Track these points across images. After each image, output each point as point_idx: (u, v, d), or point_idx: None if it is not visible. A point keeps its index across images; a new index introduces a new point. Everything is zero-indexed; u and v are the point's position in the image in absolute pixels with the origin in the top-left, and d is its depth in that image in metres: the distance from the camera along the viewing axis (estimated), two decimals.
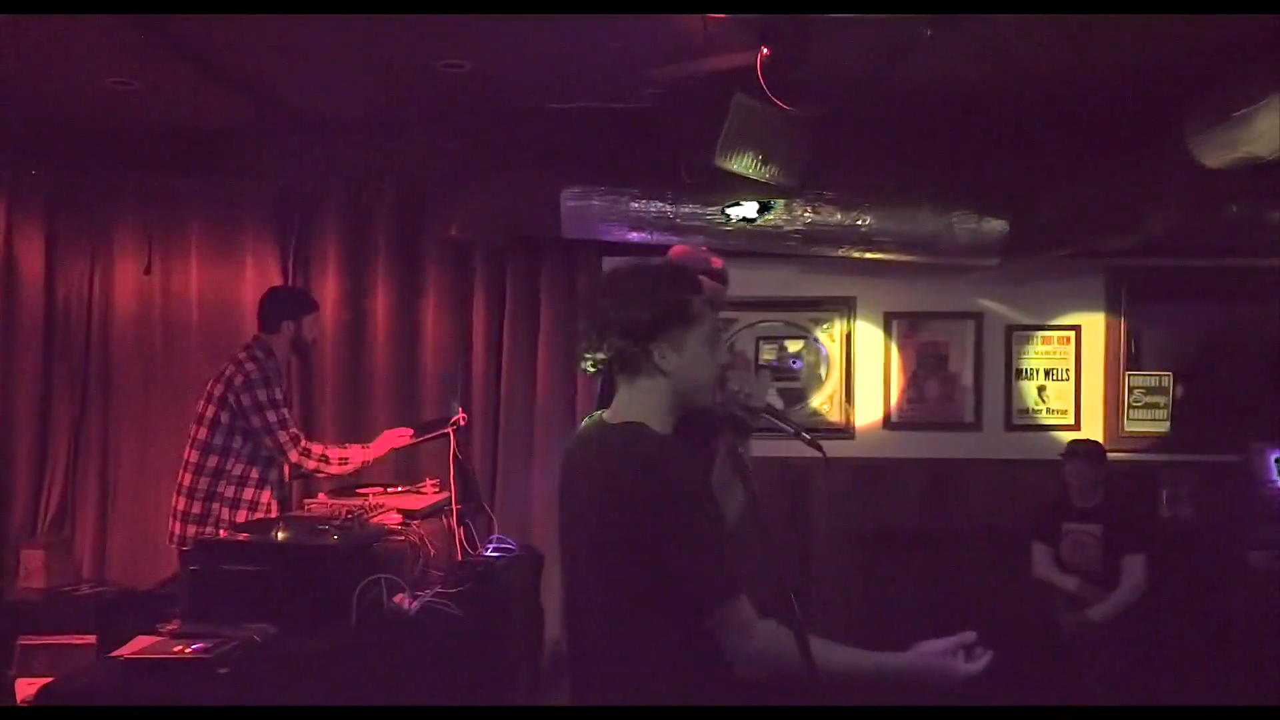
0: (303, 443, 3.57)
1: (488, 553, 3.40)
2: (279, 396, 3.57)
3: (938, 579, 4.49)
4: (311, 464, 3.58)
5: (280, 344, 3.72)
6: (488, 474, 4.49)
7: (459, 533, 3.29)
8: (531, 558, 3.62)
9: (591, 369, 1.84)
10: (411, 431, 3.83)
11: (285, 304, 3.80)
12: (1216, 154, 3.24)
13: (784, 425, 1.87)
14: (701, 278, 2.85)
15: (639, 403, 1.78)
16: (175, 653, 2.21)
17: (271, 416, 3.52)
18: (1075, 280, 4.63)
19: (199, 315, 4.63)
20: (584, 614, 1.83)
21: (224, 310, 4.60)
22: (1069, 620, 3.90)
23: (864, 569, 4.57)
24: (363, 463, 3.67)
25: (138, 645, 2.28)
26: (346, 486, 3.66)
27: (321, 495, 3.54)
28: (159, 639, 2.31)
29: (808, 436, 1.84)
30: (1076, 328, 4.65)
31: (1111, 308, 4.64)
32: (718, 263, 2.95)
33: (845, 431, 4.68)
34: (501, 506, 4.31)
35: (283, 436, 3.53)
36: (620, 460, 1.73)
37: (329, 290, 4.55)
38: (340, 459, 3.63)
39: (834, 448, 4.58)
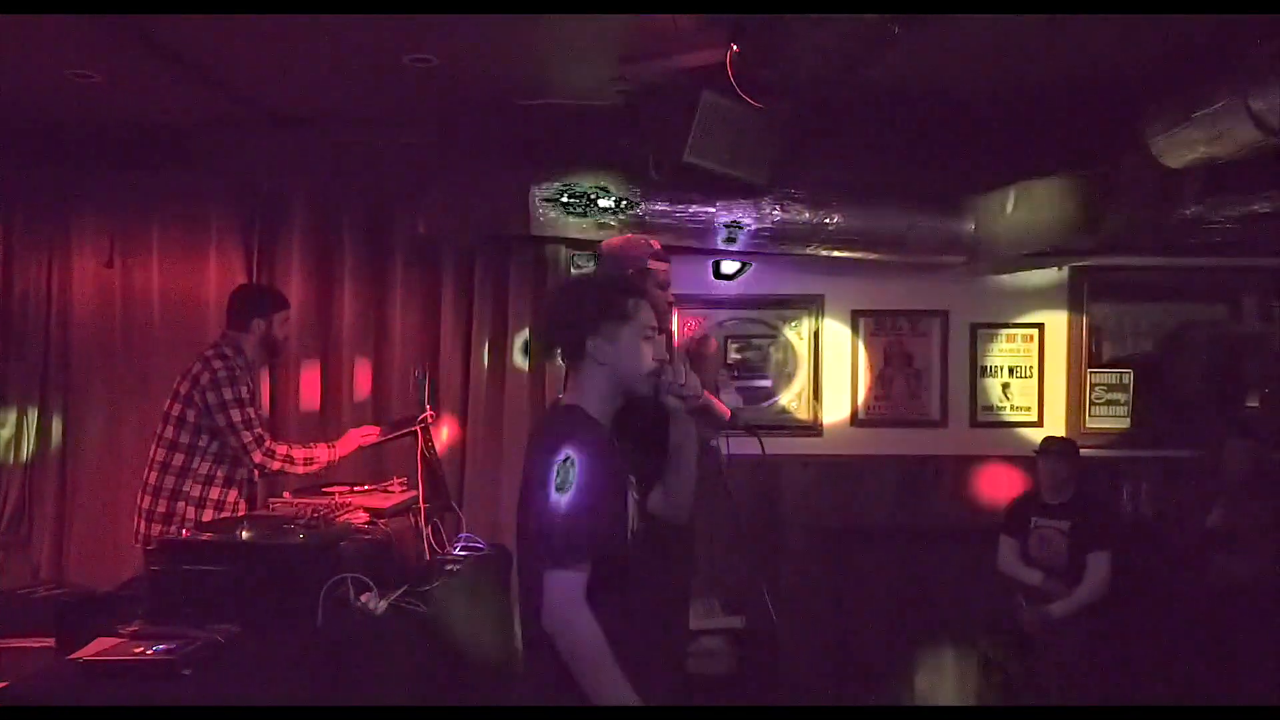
0: (267, 443, 3.53)
1: (456, 551, 3.39)
2: (245, 395, 3.52)
3: (904, 574, 4.54)
4: (276, 465, 3.54)
5: (249, 342, 3.67)
6: (456, 472, 4.46)
7: (427, 531, 3.27)
8: (500, 556, 3.60)
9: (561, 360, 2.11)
10: (379, 429, 3.80)
11: (256, 301, 3.75)
12: (1176, 155, 3.29)
13: (719, 410, 2.02)
14: (650, 261, 2.96)
15: (580, 388, 2.07)
16: (137, 654, 2.17)
17: (236, 415, 3.48)
18: (1038, 279, 4.70)
19: (161, 312, 4.55)
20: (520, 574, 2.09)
21: (187, 307, 4.53)
22: (1031, 615, 3.96)
23: (832, 564, 4.61)
24: (329, 462, 3.64)
25: (98, 647, 2.24)
26: (313, 485, 3.62)
27: (287, 494, 3.50)
28: (120, 641, 2.27)
29: (741, 423, 1.98)
30: (1040, 325, 4.72)
31: (1073, 306, 4.72)
32: (656, 244, 3.10)
33: (813, 429, 4.71)
34: (470, 505, 4.28)
35: (247, 436, 3.48)
36: (544, 432, 2.05)
37: (294, 287, 4.48)
38: (306, 459, 3.59)
39: (802, 445, 4.69)
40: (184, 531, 3.07)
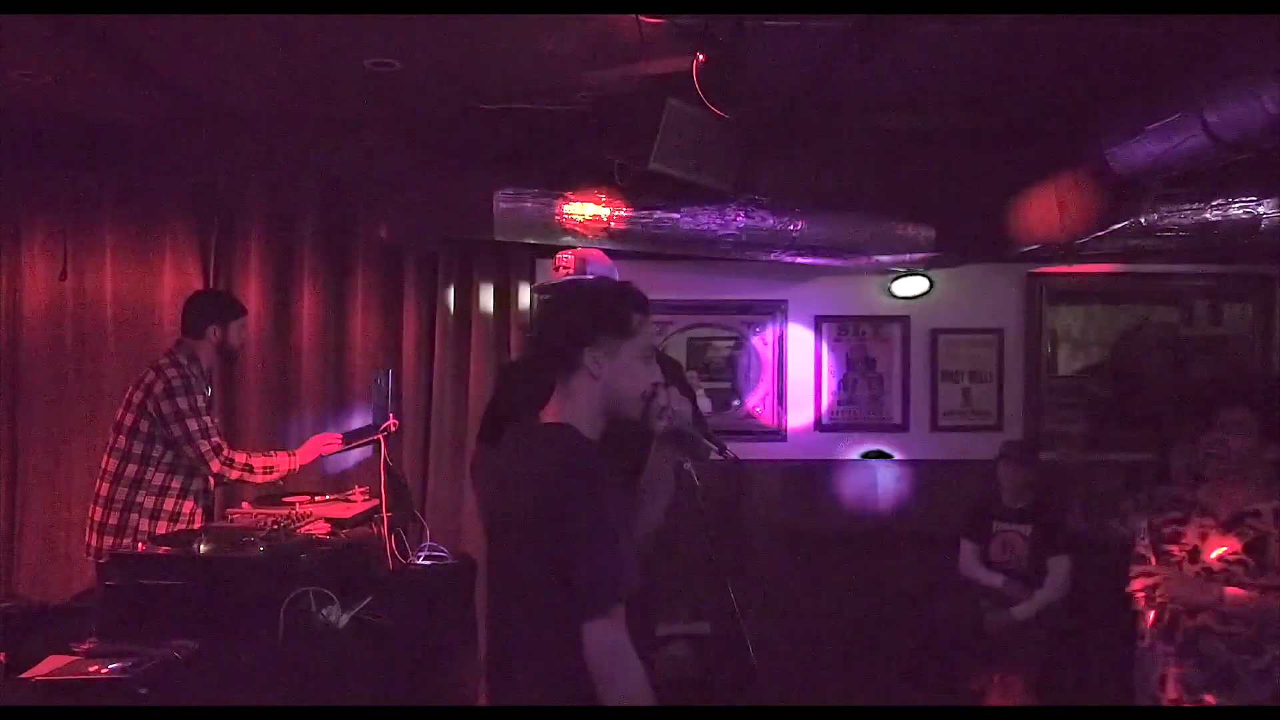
0: (225, 452, 3.46)
1: (420, 561, 3.35)
2: (201, 404, 3.45)
3: (868, 577, 4.57)
4: (235, 474, 3.47)
5: (205, 349, 3.61)
6: (419, 481, 4.42)
7: (390, 541, 3.23)
8: (465, 565, 3.57)
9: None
10: (340, 437, 3.74)
11: (210, 308, 3.69)
12: (1131, 165, 3.35)
13: (706, 443, 1.96)
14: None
15: (570, 404, 1.90)
16: (91, 673, 2.12)
17: (193, 425, 3.41)
18: (998, 284, 4.76)
19: (114, 318, 4.46)
20: (499, 601, 1.97)
21: (141, 313, 4.44)
22: (993, 617, 4.01)
23: (797, 568, 4.63)
24: (289, 471, 3.58)
25: (50, 666, 2.19)
26: (272, 495, 3.56)
27: (245, 505, 3.44)
28: (73, 659, 2.22)
29: (732, 455, 1.97)
30: (999, 330, 4.78)
31: (1031, 311, 4.79)
32: (604, 259, 3.15)
33: (778, 433, 4.73)
34: (433, 514, 4.24)
35: (204, 446, 3.41)
36: (543, 457, 1.85)
37: (253, 293, 4.42)
38: (265, 468, 3.52)
39: (767, 449, 4.69)
40: (139, 545, 3.00)
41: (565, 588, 1.74)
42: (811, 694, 4.16)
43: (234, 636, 2.37)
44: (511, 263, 4.49)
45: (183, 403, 3.40)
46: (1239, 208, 4.14)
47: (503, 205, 4.03)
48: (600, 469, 1.81)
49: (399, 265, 4.50)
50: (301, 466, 3.61)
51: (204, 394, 3.51)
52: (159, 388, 3.41)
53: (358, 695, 2.56)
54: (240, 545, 2.64)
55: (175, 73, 3.56)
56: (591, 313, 1.89)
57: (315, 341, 4.47)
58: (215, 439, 3.46)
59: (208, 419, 3.46)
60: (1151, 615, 2.65)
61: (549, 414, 1.92)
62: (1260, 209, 4.13)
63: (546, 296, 2.20)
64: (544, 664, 1.80)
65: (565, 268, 3.20)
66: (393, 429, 3.49)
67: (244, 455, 3.53)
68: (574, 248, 3.95)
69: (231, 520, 3.17)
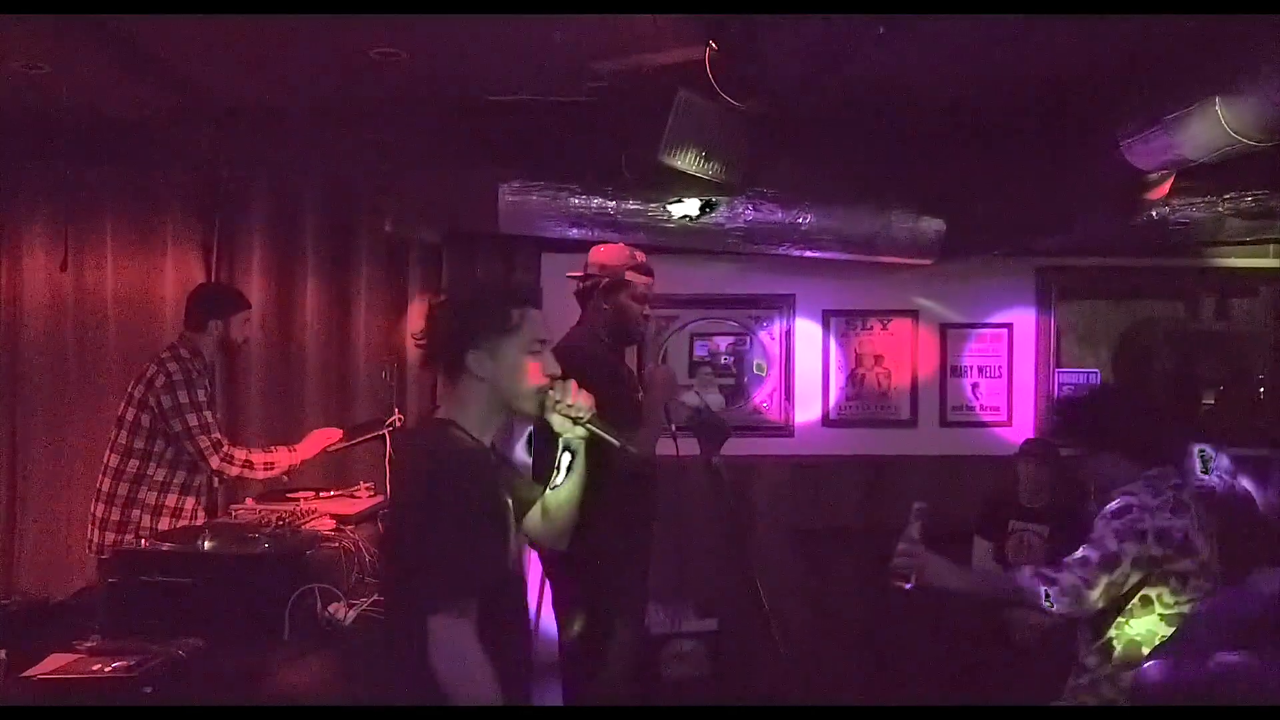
0: (225, 448, 3.42)
1: None
2: (202, 399, 3.41)
3: (876, 575, 4.51)
4: (235, 470, 3.43)
5: (207, 344, 3.56)
6: None
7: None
8: None
9: None
10: (342, 432, 3.70)
11: (213, 302, 3.63)
12: (1147, 156, 3.31)
13: (607, 437, 1.99)
14: (628, 273, 2.94)
15: (458, 402, 1.92)
16: (94, 671, 2.08)
17: (193, 420, 3.37)
18: (1007, 279, 4.71)
19: (115, 312, 4.42)
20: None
21: (143, 308, 4.40)
22: (1021, 627, 3.89)
23: (805, 565, 4.59)
24: (290, 466, 3.54)
25: (52, 664, 2.15)
26: (276, 491, 3.52)
27: (250, 500, 3.40)
28: (76, 657, 2.18)
29: (631, 450, 2.00)
30: (1009, 325, 4.73)
31: (1042, 306, 4.74)
32: (640, 257, 3.05)
33: (785, 429, 4.69)
34: None
35: (203, 441, 3.37)
36: (411, 452, 1.92)
37: (255, 286, 4.38)
38: (266, 464, 3.49)
39: (774, 445, 4.65)
40: (142, 541, 2.96)
41: (413, 580, 1.76)
42: (821, 691, 4.12)
43: (239, 634, 2.33)
44: (517, 256, 4.44)
45: (183, 396, 3.36)
46: (1252, 199, 4.11)
47: (508, 198, 4.00)
48: (470, 461, 1.82)
49: (403, 258, 4.46)
50: (303, 461, 3.57)
51: (205, 389, 3.47)
52: (160, 381, 3.37)
53: (363, 693, 2.53)
54: (245, 542, 2.61)
55: (177, 64, 3.52)
56: (468, 317, 1.90)
57: (318, 335, 4.43)
58: (215, 435, 3.42)
59: (208, 414, 3.42)
60: None
61: (441, 412, 1.95)
62: (1273, 202, 4.10)
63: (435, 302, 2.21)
64: (399, 657, 1.82)
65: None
66: (398, 423, 3.46)
67: (244, 451, 3.49)
68: (582, 241, 3.95)
69: (236, 516, 3.13)
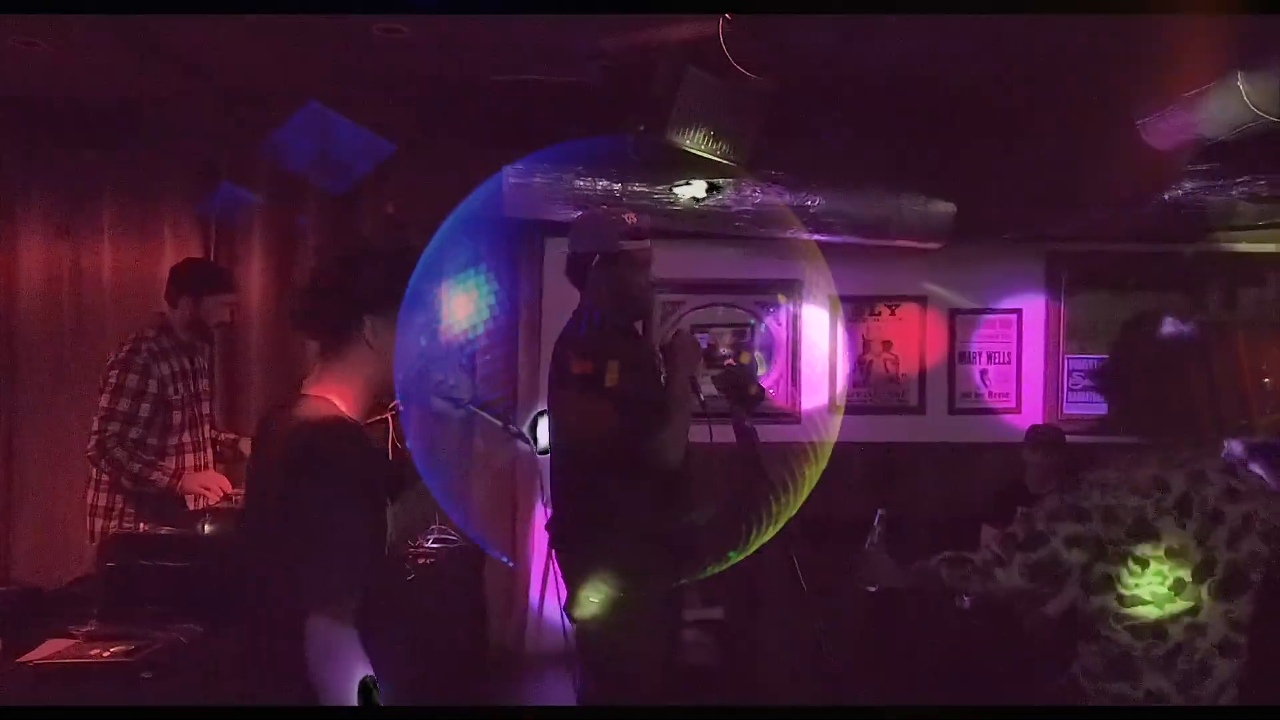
0: (111, 444, 3.14)
1: (429, 544, 3.26)
2: (132, 384, 3.21)
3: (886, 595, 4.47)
4: (105, 466, 3.17)
5: (177, 322, 3.35)
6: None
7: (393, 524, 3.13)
8: (474, 548, 3.49)
9: None
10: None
11: (186, 278, 3.42)
12: (1166, 136, 3.25)
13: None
14: (621, 241, 2.68)
15: (336, 376, 1.70)
16: (92, 657, 2.03)
17: (104, 400, 3.18)
18: (1017, 264, 4.66)
19: (113, 297, 4.35)
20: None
21: (140, 292, 4.33)
22: (1031, 616, 3.85)
23: (811, 554, 4.53)
24: (170, 489, 3.23)
25: (49, 650, 2.10)
26: None
27: None
28: (74, 642, 2.13)
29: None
30: (1018, 311, 4.68)
31: (1051, 291, 4.69)
32: (633, 218, 2.72)
33: (791, 416, 4.63)
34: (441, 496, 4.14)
35: (95, 424, 3.16)
36: (293, 433, 1.63)
37: (255, 269, 4.32)
38: (142, 478, 3.18)
39: (780, 432, 4.60)
40: (140, 525, 2.90)
41: (290, 576, 1.58)
42: (828, 682, 4.07)
43: (238, 618, 2.27)
44: (521, 239, 4.38)
45: (114, 376, 3.20)
46: (1266, 184, 4.05)
47: (513, 181, 3.93)
48: (350, 450, 1.62)
49: (405, 242, 4.39)
50: (185, 491, 3.27)
51: (150, 374, 3.24)
52: (110, 357, 3.26)
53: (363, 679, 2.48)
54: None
55: (176, 43, 3.46)
56: (377, 279, 1.69)
57: None
58: (115, 426, 3.17)
59: (127, 402, 3.20)
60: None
61: (315, 388, 1.71)
62: None
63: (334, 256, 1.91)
64: (271, 651, 1.65)
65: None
66: (400, 408, 3.38)
67: (126, 456, 3.17)
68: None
69: (236, 501, 3.07)
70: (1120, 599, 2.00)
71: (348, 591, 1.54)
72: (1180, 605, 1.92)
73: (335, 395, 1.68)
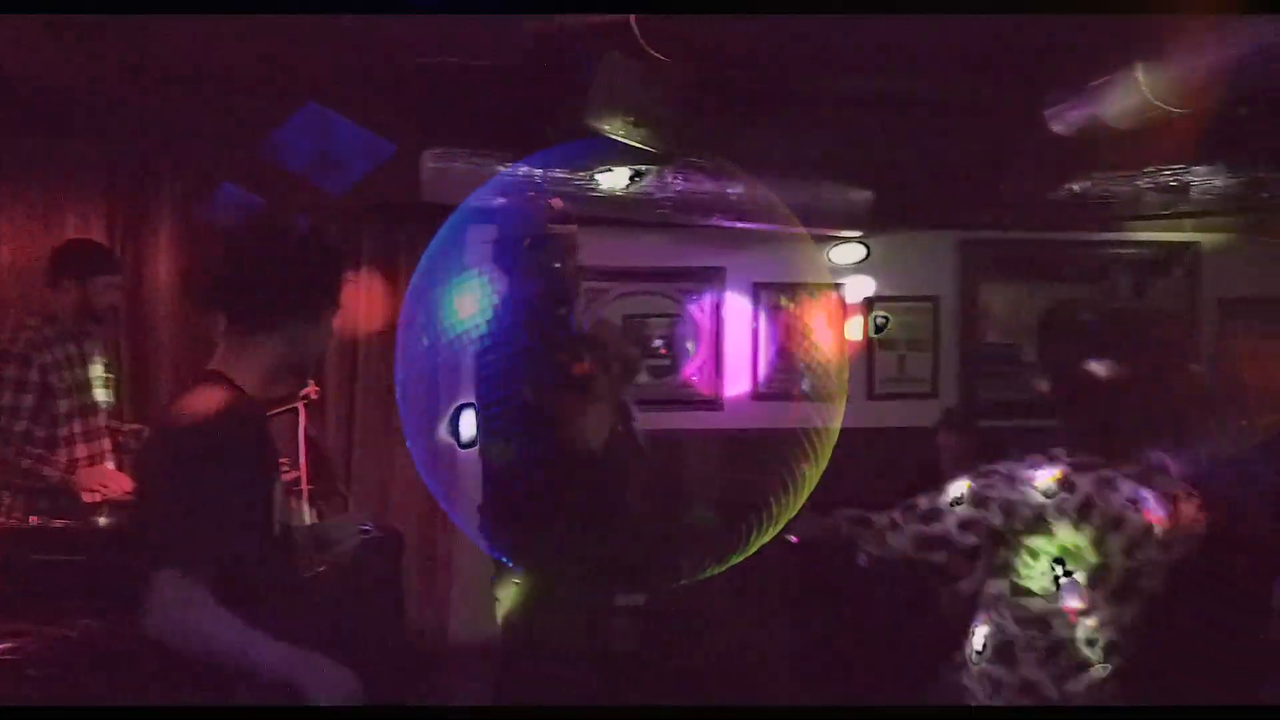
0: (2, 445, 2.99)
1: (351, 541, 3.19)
2: (12, 374, 3.06)
3: (807, 549, 4.52)
4: None
5: (63, 304, 3.18)
6: (343, 452, 4.24)
7: (310, 515, 3.06)
8: (391, 540, 3.43)
9: None
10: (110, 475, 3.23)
11: (69, 258, 3.24)
12: (1071, 124, 3.34)
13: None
14: (547, 227, 2.72)
15: (240, 354, 1.72)
16: None
17: None
18: (933, 252, 4.76)
19: (11, 288, 4.16)
20: None
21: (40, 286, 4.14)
22: (946, 594, 3.93)
23: (734, 541, 4.56)
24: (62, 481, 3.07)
25: None
26: None
27: None
28: None
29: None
30: (935, 298, 4.77)
31: (967, 279, 4.79)
32: (558, 204, 2.81)
33: (714, 403, 4.66)
34: (358, 486, 4.07)
35: None
36: (174, 404, 1.71)
37: (163, 259, 4.17)
38: (49, 473, 3.03)
39: (703, 419, 4.62)
40: (30, 519, 2.77)
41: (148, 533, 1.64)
42: (745, 667, 4.12)
43: (135, 614, 2.20)
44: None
45: None
46: (1169, 175, 4.20)
47: (431, 165, 3.87)
48: (225, 418, 1.62)
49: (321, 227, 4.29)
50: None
51: (45, 360, 3.09)
52: None
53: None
54: None
55: (91, 25, 3.29)
56: (306, 264, 1.73)
57: None
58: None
59: (9, 395, 3.04)
60: None
61: (215, 361, 1.74)
62: (1189, 177, 4.19)
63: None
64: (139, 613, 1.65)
65: None
66: (313, 396, 3.31)
67: (28, 457, 3.02)
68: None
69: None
70: (1013, 587, 2.05)
71: (199, 553, 1.55)
72: (1071, 603, 1.96)
73: (236, 372, 1.69)
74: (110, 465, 3.27)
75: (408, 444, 2.96)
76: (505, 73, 3.65)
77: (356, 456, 4.28)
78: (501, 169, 3.87)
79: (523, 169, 3.86)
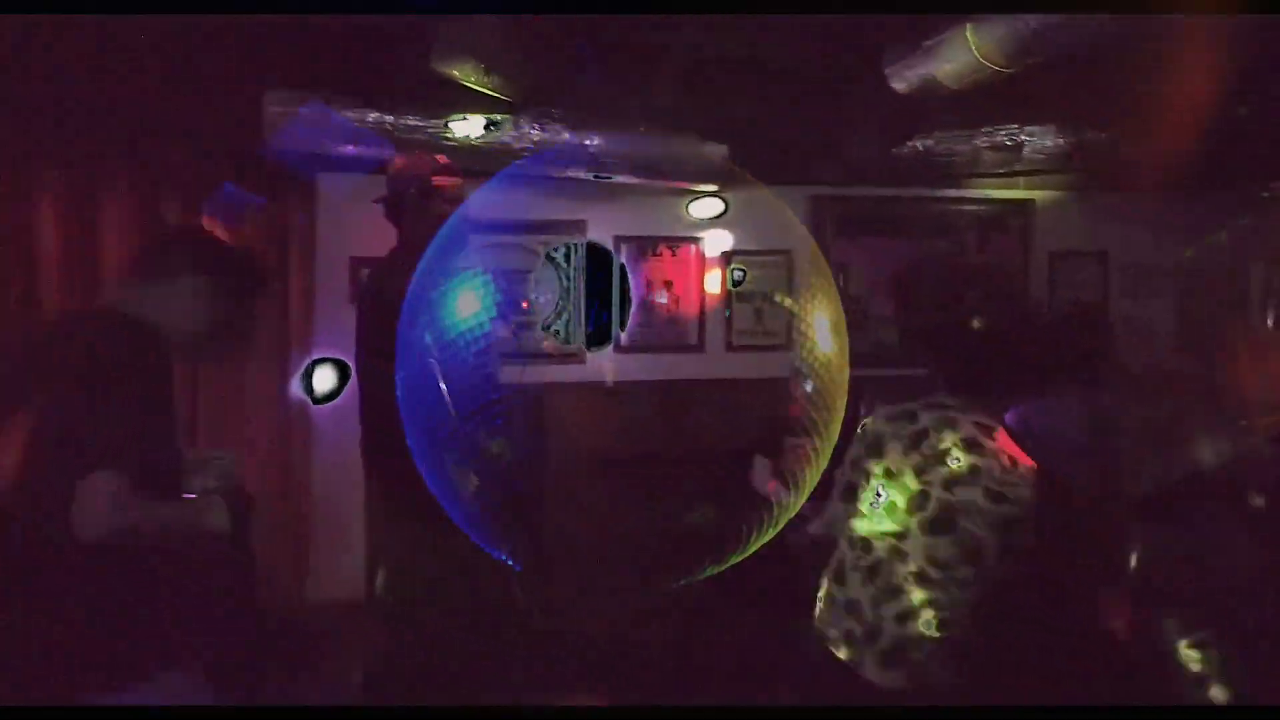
0: None
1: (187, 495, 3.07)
2: None
3: (667, 498, 4.63)
4: None
5: None
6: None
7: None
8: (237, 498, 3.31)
9: None
10: None
11: None
12: (909, 82, 3.47)
13: None
14: (434, 179, 2.81)
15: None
16: None
17: None
18: (788, 207, 4.87)
19: None
20: None
21: None
22: (793, 536, 4.08)
23: (597, 492, 4.63)
24: None
25: None
26: None
27: None
28: None
29: None
30: (788, 252, 4.91)
31: (818, 234, 4.95)
32: (444, 159, 2.97)
33: (576, 356, 4.68)
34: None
35: None
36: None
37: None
38: None
39: (565, 372, 4.64)
40: None
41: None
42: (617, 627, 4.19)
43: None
44: (284, 177, 4.15)
45: None
46: (1005, 135, 4.42)
47: (273, 110, 3.70)
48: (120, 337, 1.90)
49: (159, 184, 4.06)
50: None
51: None
52: None
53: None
54: None
55: None
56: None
57: (60, 267, 3.97)
58: None
59: None
60: None
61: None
62: (1022, 137, 4.43)
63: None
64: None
65: None
66: None
67: None
68: (361, 160, 3.74)
69: None
70: (847, 510, 2.19)
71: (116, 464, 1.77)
72: (887, 526, 2.10)
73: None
74: None
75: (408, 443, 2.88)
76: (354, 20, 3.52)
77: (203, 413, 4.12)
78: (350, 114, 3.74)
79: (372, 115, 3.75)
